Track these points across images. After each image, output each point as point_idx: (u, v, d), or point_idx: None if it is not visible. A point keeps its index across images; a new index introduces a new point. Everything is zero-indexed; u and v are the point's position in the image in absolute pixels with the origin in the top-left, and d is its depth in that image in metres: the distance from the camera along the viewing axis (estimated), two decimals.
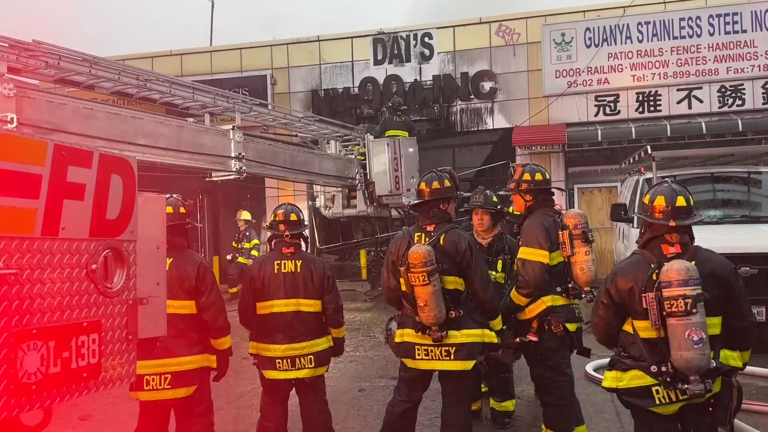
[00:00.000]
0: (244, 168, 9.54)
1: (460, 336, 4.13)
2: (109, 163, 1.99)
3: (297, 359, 4.51)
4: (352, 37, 17.19)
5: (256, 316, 4.63)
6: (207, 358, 4.32)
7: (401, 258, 4.22)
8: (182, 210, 4.39)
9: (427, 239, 4.25)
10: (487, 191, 5.51)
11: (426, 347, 4.21)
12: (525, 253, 4.42)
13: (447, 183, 4.35)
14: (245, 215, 13.96)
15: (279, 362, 4.51)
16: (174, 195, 4.44)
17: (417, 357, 4.25)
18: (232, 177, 9.68)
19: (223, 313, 4.35)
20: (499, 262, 5.30)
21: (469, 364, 4.13)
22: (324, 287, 4.64)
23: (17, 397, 1.65)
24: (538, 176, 4.65)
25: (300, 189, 14.95)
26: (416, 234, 4.35)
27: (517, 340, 4.50)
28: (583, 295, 4.41)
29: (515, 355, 4.68)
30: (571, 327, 4.43)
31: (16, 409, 1.65)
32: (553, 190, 4.73)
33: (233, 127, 9.47)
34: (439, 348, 4.16)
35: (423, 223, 4.40)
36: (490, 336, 4.23)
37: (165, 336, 2.50)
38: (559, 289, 4.44)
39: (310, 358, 4.54)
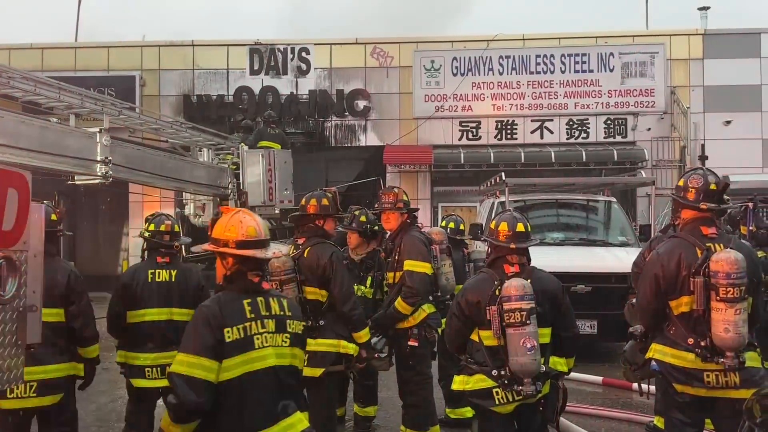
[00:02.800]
0: (111, 173, 9.27)
1: (314, 344, 4.37)
2: (6, 177, 2.10)
3: (167, 368, 4.58)
4: (228, 45, 17.12)
5: (126, 324, 4.66)
6: (74, 366, 4.30)
7: None
8: (53, 217, 4.35)
9: (295, 251, 4.54)
10: (357, 212, 5.80)
11: None
12: (411, 265, 4.82)
13: (325, 202, 4.63)
14: None
15: (149, 371, 4.57)
16: (45, 201, 4.39)
17: None
18: (97, 181, 9.36)
19: (92, 322, 4.36)
20: (369, 278, 5.55)
21: (317, 372, 4.38)
22: (197, 297, 4.75)
23: None
24: (406, 197, 5.15)
25: (167, 195, 14.62)
26: (290, 246, 4.65)
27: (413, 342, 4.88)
28: (448, 302, 4.91)
29: (390, 362, 5.09)
30: (440, 331, 4.93)
31: None
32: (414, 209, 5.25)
33: (100, 129, 9.19)
34: None
35: (296, 236, 4.72)
36: (345, 347, 4.46)
37: (39, 343, 2.62)
38: (431, 297, 4.92)
39: None
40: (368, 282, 5.58)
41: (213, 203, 13.07)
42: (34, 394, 4.03)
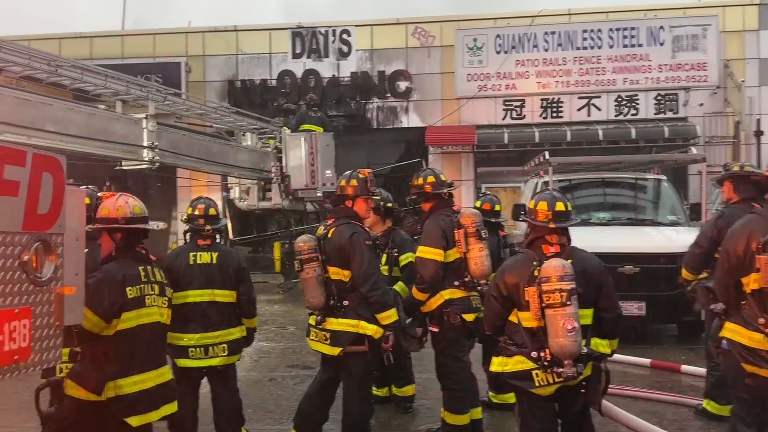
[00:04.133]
0: (157, 158, 9.49)
1: (335, 324, 4.43)
2: (42, 162, 2.13)
3: (210, 348, 4.66)
4: (270, 29, 17.20)
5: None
6: None
7: None
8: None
9: (324, 231, 4.57)
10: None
11: (314, 330, 4.57)
12: (421, 251, 4.84)
13: (354, 183, 4.60)
14: None
15: (192, 351, 4.65)
16: (90, 186, 4.50)
17: (310, 338, 4.63)
18: (144, 167, 9.59)
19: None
20: (384, 256, 5.48)
21: (335, 350, 4.42)
22: (239, 278, 4.81)
23: None
24: (431, 179, 5.05)
25: (213, 180, 14.86)
26: (321, 227, 4.68)
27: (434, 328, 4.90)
28: (479, 288, 4.83)
29: (420, 344, 5.08)
30: (468, 317, 4.84)
31: None
32: (451, 191, 5.11)
33: (146, 115, 9.39)
34: (321, 332, 4.51)
35: (328, 217, 4.76)
36: (365, 328, 4.39)
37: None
38: (457, 282, 4.84)
39: (224, 347, 4.70)
40: (383, 260, 5.49)
41: (257, 187, 13.28)
42: None
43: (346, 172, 4.77)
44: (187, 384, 4.77)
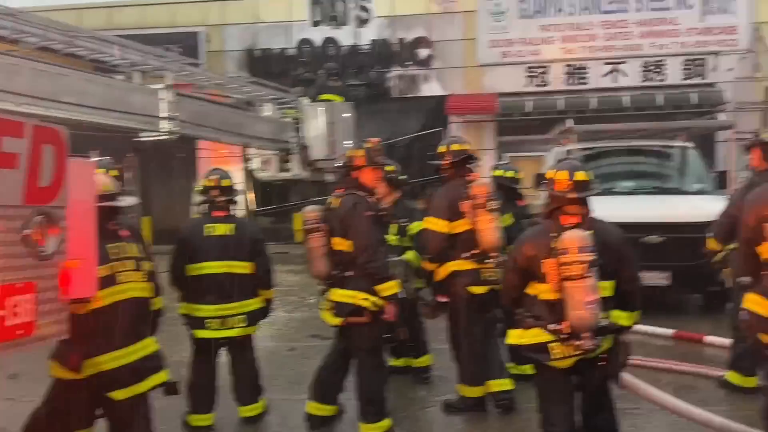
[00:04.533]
0: (176, 128, 9.47)
1: (336, 295, 4.42)
2: (41, 134, 2.09)
3: (228, 319, 4.68)
4: None
5: (187, 277, 4.75)
6: None
7: None
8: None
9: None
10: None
11: (325, 301, 4.58)
12: (426, 222, 4.84)
13: (360, 153, 4.53)
14: None
15: (209, 322, 4.67)
16: (105, 158, 4.48)
17: (320, 308, 4.65)
18: (162, 138, 9.58)
19: (155, 276, 4.45)
20: (394, 226, 5.37)
21: (336, 321, 4.44)
22: (255, 250, 4.80)
23: None
24: (441, 149, 5.02)
25: (234, 151, 14.86)
26: (331, 197, 4.64)
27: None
28: (489, 260, 4.75)
29: (434, 312, 5.08)
30: (477, 290, 4.78)
31: None
32: (455, 160, 4.97)
33: (164, 86, 9.35)
34: (327, 303, 4.52)
35: (336, 187, 4.74)
36: (362, 300, 4.33)
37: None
38: (466, 254, 4.77)
39: (241, 318, 4.71)
40: (393, 230, 5.38)
41: (277, 158, 13.25)
42: None
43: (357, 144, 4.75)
44: (205, 355, 4.82)
